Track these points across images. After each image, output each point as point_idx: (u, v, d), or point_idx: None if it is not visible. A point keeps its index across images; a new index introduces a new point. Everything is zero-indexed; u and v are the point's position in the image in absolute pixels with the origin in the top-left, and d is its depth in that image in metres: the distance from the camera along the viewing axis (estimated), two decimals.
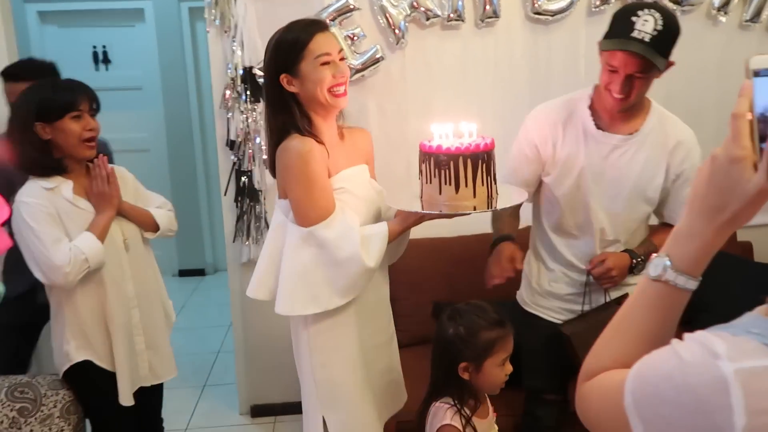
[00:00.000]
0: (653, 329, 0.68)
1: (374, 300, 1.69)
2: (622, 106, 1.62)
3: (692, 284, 0.66)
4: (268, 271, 1.65)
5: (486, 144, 1.48)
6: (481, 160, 1.46)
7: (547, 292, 1.85)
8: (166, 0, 4.25)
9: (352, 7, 2.36)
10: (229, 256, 2.64)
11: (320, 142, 1.55)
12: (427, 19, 2.43)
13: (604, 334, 0.72)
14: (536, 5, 2.47)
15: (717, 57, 2.61)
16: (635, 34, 1.52)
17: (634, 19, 1.53)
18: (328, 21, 2.34)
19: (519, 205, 1.75)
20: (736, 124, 0.61)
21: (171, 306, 2.02)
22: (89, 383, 1.83)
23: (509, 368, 1.52)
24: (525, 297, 1.93)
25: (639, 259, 1.74)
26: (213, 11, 2.36)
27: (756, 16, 2.58)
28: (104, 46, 4.35)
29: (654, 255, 0.68)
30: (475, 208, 1.48)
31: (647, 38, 1.51)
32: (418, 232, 2.59)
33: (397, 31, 2.42)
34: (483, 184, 1.48)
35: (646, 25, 1.51)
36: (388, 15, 2.40)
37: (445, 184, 1.46)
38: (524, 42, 2.53)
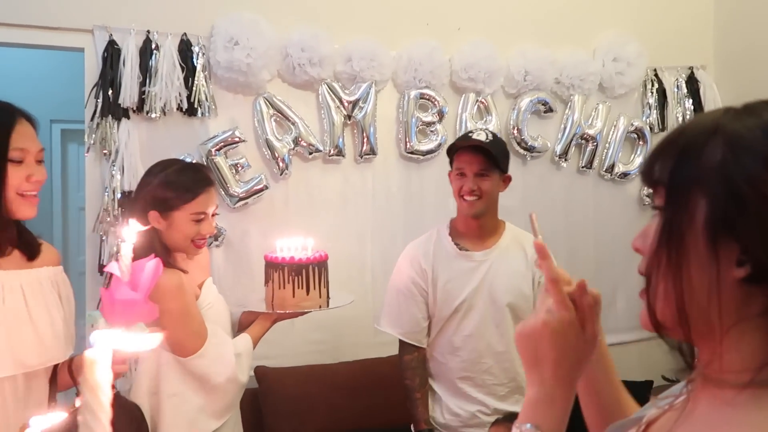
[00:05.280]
0: None
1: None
2: (475, 208, 1.83)
3: None
4: None
5: (325, 254, 1.84)
6: (324, 268, 1.81)
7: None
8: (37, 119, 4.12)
9: (238, 138, 2.46)
10: None
11: (181, 268, 1.60)
12: (310, 153, 2.59)
13: None
14: (408, 146, 2.74)
15: (562, 195, 3.01)
16: (474, 136, 1.85)
17: (470, 134, 1.90)
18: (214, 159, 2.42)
19: None
20: (557, 289, 0.69)
21: None
22: None
23: None
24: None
25: None
26: (93, 135, 2.34)
27: (589, 164, 3.05)
28: None
29: (516, 426, 0.69)
30: (320, 307, 1.78)
31: (485, 139, 1.83)
32: (297, 359, 2.56)
33: (281, 162, 2.54)
34: (325, 287, 1.82)
35: (480, 135, 1.85)
36: (272, 148, 2.52)
37: (299, 288, 1.74)
38: (399, 176, 2.76)
